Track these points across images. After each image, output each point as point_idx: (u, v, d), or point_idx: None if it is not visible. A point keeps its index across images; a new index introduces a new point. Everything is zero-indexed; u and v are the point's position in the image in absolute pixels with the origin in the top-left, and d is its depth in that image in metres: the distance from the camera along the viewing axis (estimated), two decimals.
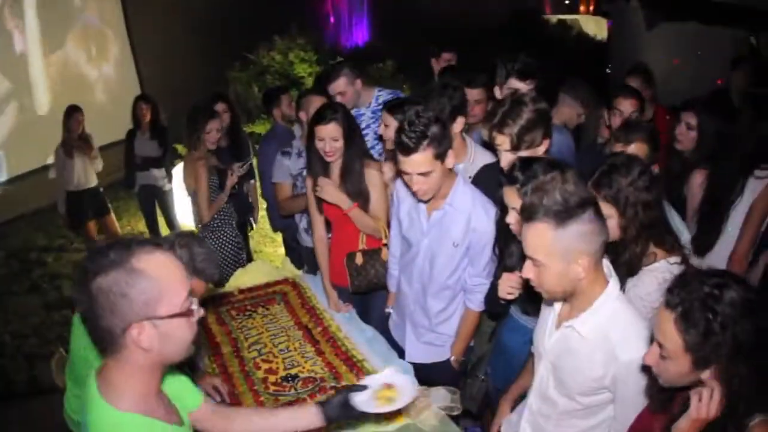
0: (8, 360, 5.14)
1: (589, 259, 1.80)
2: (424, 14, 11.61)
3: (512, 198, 2.31)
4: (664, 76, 7.54)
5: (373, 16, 13.07)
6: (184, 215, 6.16)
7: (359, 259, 3.28)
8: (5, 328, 5.62)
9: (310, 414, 1.98)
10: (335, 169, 3.25)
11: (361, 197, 3.22)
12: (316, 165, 3.26)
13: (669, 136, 3.60)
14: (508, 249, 2.59)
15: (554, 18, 14.78)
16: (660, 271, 2.23)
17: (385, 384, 2.03)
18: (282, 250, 5.54)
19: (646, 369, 1.72)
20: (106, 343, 1.44)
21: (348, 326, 3.27)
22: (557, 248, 1.77)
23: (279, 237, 5.75)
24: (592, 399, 1.97)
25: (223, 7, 10.35)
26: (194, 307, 1.51)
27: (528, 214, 1.80)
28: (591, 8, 17.54)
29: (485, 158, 3.11)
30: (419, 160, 2.50)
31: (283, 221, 4.40)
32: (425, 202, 2.73)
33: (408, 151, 2.49)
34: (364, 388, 2.01)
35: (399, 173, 2.74)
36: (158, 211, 6.38)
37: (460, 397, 2.70)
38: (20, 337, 5.47)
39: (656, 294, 2.14)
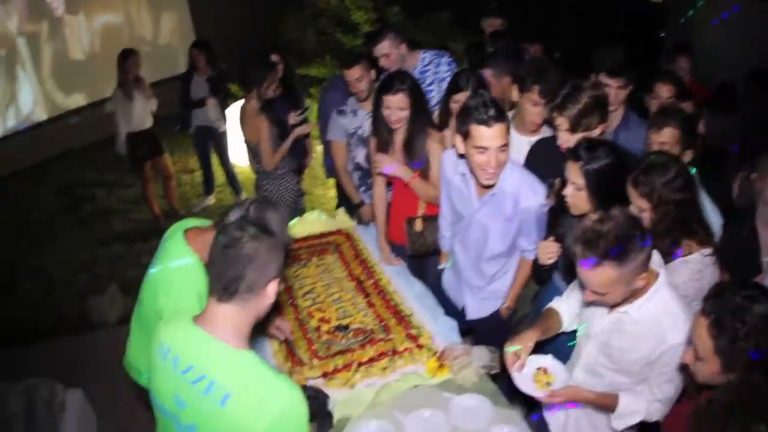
0: (59, 295, 5.30)
1: (646, 273, 2.00)
2: None
3: (574, 173, 2.46)
4: (720, 50, 7.35)
5: None
6: (239, 157, 6.39)
7: (418, 226, 3.42)
8: (56, 263, 5.77)
9: None
10: (399, 136, 3.35)
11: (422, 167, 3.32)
12: (382, 130, 3.36)
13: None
14: (560, 218, 2.72)
15: None
16: (694, 263, 2.39)
17: (541, 368, 2.33)
18: (332, 192, 5.62)
19: (684, 367, 1.91)
20: (243, 288, 1.69)
21: (398, 280, 3.42)
22: (622, 281, 1.95)
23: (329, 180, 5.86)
24: (638, 374, 2.19)
25: None
26: None
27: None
28: None
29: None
30: (501, 132, 2.59)
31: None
32: (490, 186, 2.78)
33: (494, 120, 2.55)
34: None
35: (462, 156, 2.79)
36: (212, 151, 6.54)
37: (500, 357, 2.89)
38: (71, 273, 5.62)
39: (690, 283, 2.34)
